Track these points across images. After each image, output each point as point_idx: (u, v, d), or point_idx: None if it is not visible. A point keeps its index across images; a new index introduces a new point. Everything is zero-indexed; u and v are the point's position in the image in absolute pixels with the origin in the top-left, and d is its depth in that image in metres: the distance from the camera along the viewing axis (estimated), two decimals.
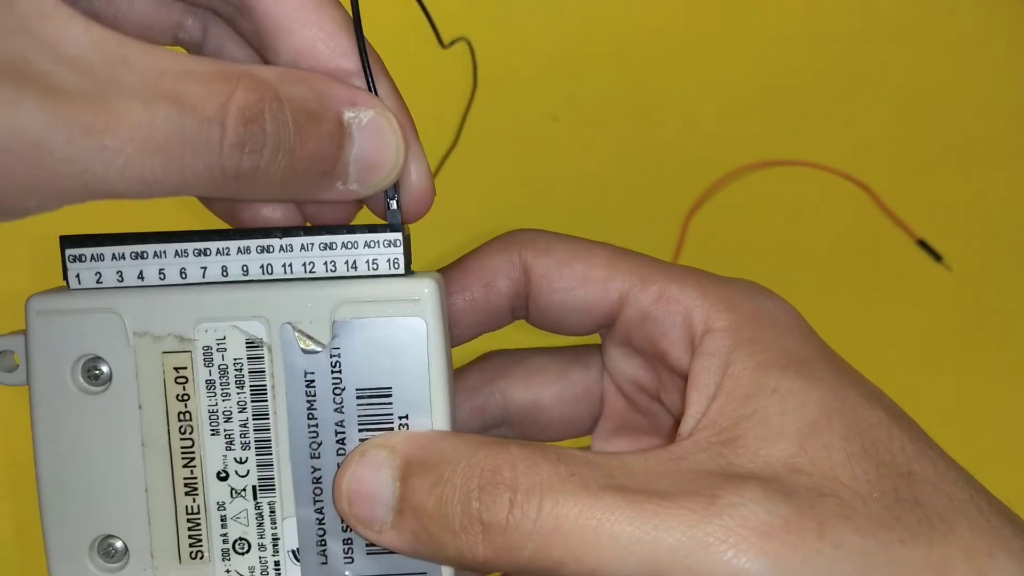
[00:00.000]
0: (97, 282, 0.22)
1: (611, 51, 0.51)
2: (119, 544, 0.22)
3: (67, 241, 0.22)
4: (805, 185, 0.50)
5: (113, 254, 0.22)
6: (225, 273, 0.22)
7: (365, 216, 0.23)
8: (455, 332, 0.25)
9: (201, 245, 0.22)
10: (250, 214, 0.23)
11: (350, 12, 0.22)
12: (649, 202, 0.49)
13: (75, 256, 0.22)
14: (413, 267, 0.23)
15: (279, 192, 0.20)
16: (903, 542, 0.19)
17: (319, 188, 0.20)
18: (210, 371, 0.22)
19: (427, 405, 0.22)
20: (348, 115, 0.20)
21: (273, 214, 0.23)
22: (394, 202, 0.22)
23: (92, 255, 0.22)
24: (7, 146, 0.15)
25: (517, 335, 0.27)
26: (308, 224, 0.23)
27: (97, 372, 0.22)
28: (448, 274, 0.24)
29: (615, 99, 0.50)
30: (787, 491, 0.19)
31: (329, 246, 0.22)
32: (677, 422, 0.24)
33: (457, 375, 0.26)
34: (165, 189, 0.17)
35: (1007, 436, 0.46)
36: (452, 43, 0.42)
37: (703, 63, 0.51)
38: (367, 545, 0.22)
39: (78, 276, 0.22)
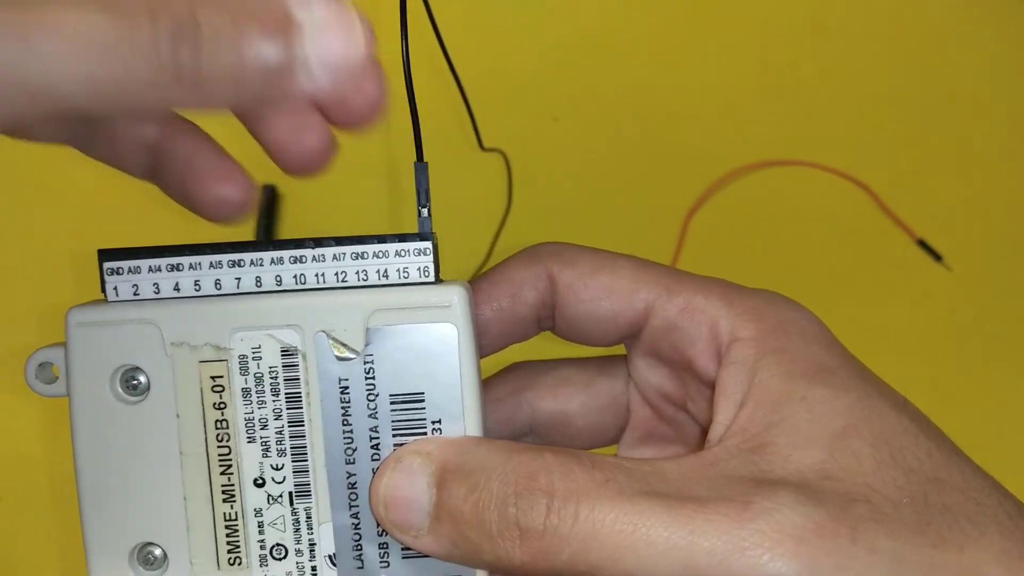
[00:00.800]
0: (134, 294, 0.22)
1: (611, 51, 0.51)
2: (158, 551, 0.23)
3: (105, 255, 0.22)
4: (805, 185, 0.50)
5: (149, 266, 0.22)
6: (259, 283, 0.22)
7: (394, 227, 0.24)
8: (483, 343, 0.25)
9: (235, 256, 0.22)
10: (204, 194, 0.22)
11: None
12: (649, 202, 0.49)
13: (113, 269, 0.22)
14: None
15: (232, 92, 0.19)
16: (935, 546, 0.19)
17: (277, 85, 0.19)
18: (246, 379, 0.22)
19: (459, 410, 0.23)
20: (297, 11, 0.19)
21: (230, 193, 0.22)
22: (425, 210, 0.23)
23: (129, 268, 0.22)
24: None
25: (540, 346, 0.27)
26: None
27: (135, 382, 0.22)
28: (476, 285, 0.25)
29: (615, 99, 0.50)
30: (819, 496, 0.19)
31: (360, 255, 0.23)
32: (702, 430, 0.25)
33: (484, 386, 0.26)
34: (112, 91, 0.17)
35: (1007, 436, 0.46)
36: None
37: (703, 63, 0.51)
38: (403, 549, 0.23)
39: (116, 288, 0.22)
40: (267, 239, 0.23)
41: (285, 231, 0.46)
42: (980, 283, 0.49)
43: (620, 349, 0.26)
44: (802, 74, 0.51)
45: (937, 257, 0.51)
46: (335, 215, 0.47)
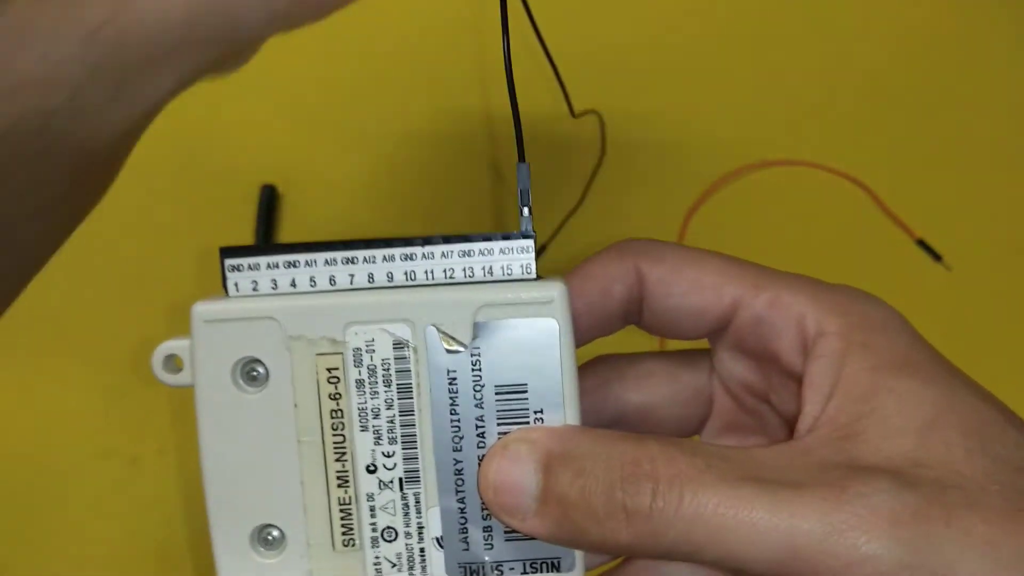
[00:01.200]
0: (253, 290, 0.24)
1: (610, 52, 0.51)
2: (276, 532, 0.24)
3: (226, 252, 0.23)
4: (805, 185, 0.50)
5: (268, 263, 0.23)
6: (371, 279, 0.24)
7: (496, 225, 0.25)
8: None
9: (349, 254, 0.24)
10: None
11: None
12: (649, 202, 0.50)
13: (234, 266, 0.23)
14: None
15: None
16: None
17: None
18: (360, 371, 0.24)
19: (560, 400, 0.24)
20: None
21: None
22: (527, 209, 0.24)
23: (249, 264, 0.23)
24: None
25: (622, 339, 0.28)
26: None
27: (255, 373, 0.24)
28: (568, 280, 0.26)
29: (615, 99, 0.51)
30: (912, 482, 0.20)
31: (467, 253, 0.24)
32: (783, 421, 0.26)
33: None
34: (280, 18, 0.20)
35: None
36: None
37: (703, 63, 0.51)
38: (505, 532, 0.24)
39: (236, 284, 0.23)
40: (385, 237, 0.24)
41: (285, 231, 0.47)
42: (980, 283, 0.49)
43: (701, 343, 0.28)
44: (802, 74, 0.51)
45: (937, 257, 0.50)
46: (335, 214, 0.48)
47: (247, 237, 0.45)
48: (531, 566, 0.24)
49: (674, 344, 0.28)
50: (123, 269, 0.45)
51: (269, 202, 0.46)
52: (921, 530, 0.20)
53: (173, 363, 0.24)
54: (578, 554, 0.24)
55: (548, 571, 0.24)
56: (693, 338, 0.27)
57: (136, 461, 0.43)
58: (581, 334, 0.26)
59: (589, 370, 0.28)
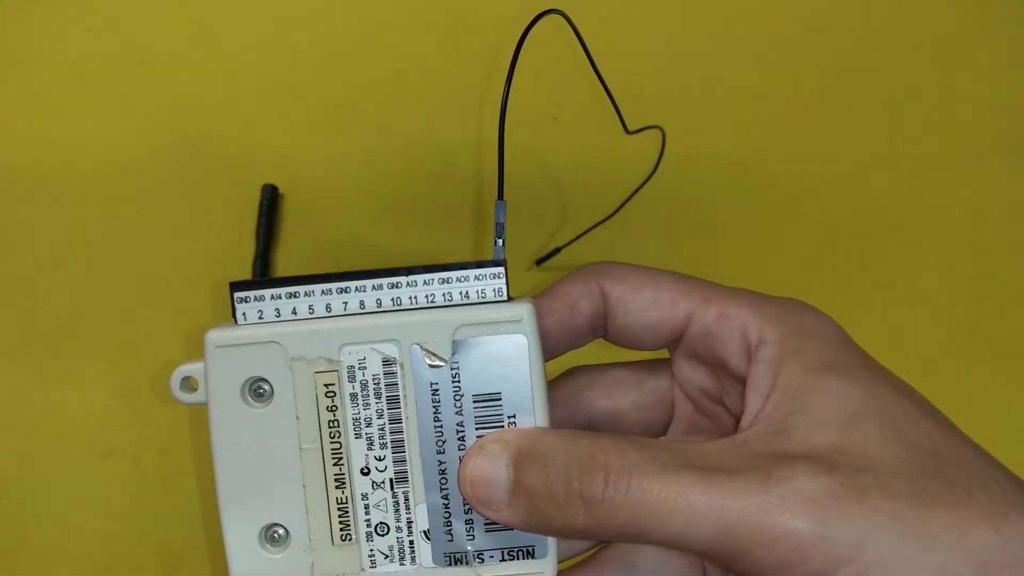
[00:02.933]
0: (259, 318, 0.27)
1: (611, 51, 0.48)
2: (282, 531, 0.27)
3: (235, 286, 0.27)
4: (805, 185, 0.49)
5: (272, 295, 0.27)
6: (362, 306, 0.27)
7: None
8: (545, 349, 0.29)
9: (342, 284, 0.27)
10: None
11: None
12: (649, 202, 0.49)
13: (242, 298, 0.27)
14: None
15: None
16: (929, 507, 0.23)
17: None
18: (353, 386, 0.27)
19: (530, 406, 0.27)
20: None
21: None
22: (500, 240, 0.28)
23: (255, 296, 0.27)
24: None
25: (594, 351, 0.31)
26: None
27: (262, 391, 0.27)
28: (539, 301, 0.29)
29: (617, 98, 0.49)
30: (832, 467, 0.23)
31: (446, 280, 0.27)
32: (736, 422, 0.29)
33: (548, 388, 0.31)
34: None
35: (1007, 435, 0.46)
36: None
37: (703, 62, 0.51)
38: (485, 524, 0.27)
39: (244, 314, 0.27)
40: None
41: (286, 230, 0.47)
42: (980, 283, 0.49)
43: (663, 353, 0.30)
44: (802, 74, 0.51)
45: (933, 255, 0.49)
46: (335, 214, 0.48)
47: (248, 236, 0.46)
48: (509, 553, 0.28)
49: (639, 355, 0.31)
50: (123, 269, 0.45)
51: (270, 202, 0.47)
52: (835, 507, 0.23)
53: (189, 384, 0.27)
54: (551, 542, 0.28)
55: (524, 558, 0.28)
56: (653, 349, 0.30)
57: (137, 461, 0.44)
58: (553, 348, 0.30)
59: (562, 380, 0.31)
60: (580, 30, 0.30)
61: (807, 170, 0.50)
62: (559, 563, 0.30)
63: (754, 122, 0.50)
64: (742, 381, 0.27)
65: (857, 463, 0.24)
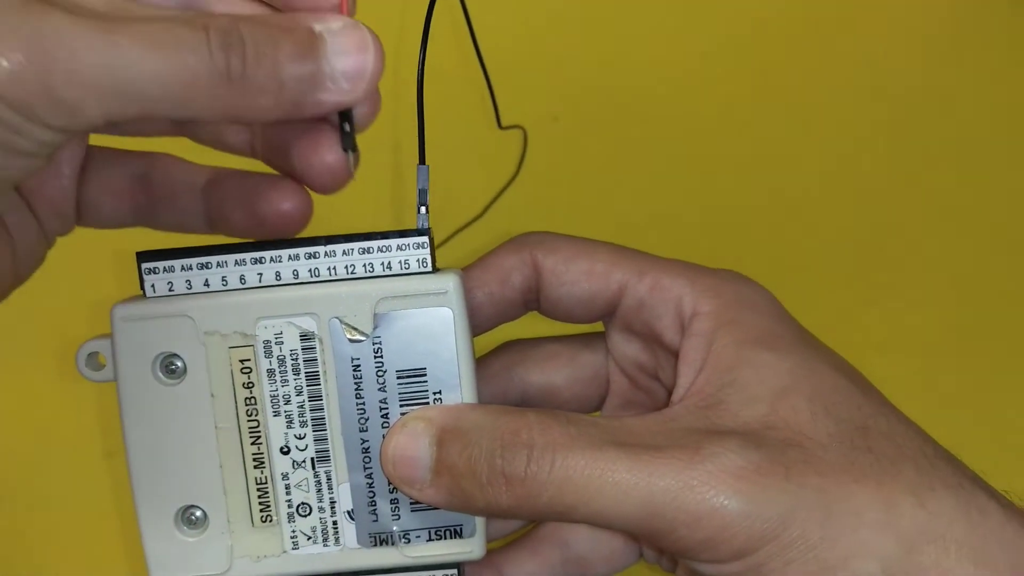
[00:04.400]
0: (169, 290, 0.26)
1: (611, 51, 0.50)
2: (199, 512, 0.26)
3: (143, 256, 0.26)
4: (805, 185, 0.49)
5: (182, 265, 0.26)
6: (279, 277, 0.26)
7: (396, 220, 0.27)
8: (476, 323, 0.28)
9: (257, 254, 0.26)
10: (310, 164, 0.25)
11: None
12: (649, 202, 0.49)
13: (150, 269, 0.25)
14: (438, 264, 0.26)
15: (274, 99, 0.22)
16: (856, 482, 0.22)
17: (310, 91, 0.23)
18: (270, 361, 0.26)
19: (456, 382, 0.26)
20: (318, 27, 0.23)
21: (335, 161, 0.25)
22: (424, 208, 0.26)
23: (164, 267, 0.26)
24: (47, 42, 0.19)
25: (528, 325, 0.30)
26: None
27: (174, 367, 0.26)
28: (469, 272, 0.28)
29: (615, 99, 0.50)
30: (760, 443, 0.23)
31: (367, 250, 0.26)
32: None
33: (479, 363, 0.29)
34: (177, 90, 0.21)
35: (1007, 436, 0.46)
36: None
37: (703, 62, 0.51)
38: (411, 503, 0.26)
39: (153, 286, 0.26)
40: (286, 238, 0.26)
41: None
42: (980, 283, 0.48)
43: (599, 326, 0.30)
44: (802, 73, 0.50)
45: (933, 255, 0.49)
46: (337, 208, 0.48)
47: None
48: (435, 533, 0.27)
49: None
50: (124, 269, 0.44)
51: None
52: (761, 483, 0.22)
53: (96, 360, 0.26)
54: (479, 521, 0.27)
55: (451, 537, 0.27)
56: (587, 322, 0.29)
57: None
58: (483, 321, 0.28)
59: (495, 355, 0.30)
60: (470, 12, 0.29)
61: (807, 169, 0.49)
62: (493, 542, 0.29)
63: (754, 120, 0.50)
64: (676, 355, 0.26)
65: (786, 438, 0.23)
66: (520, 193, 0.48)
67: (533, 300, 0.28)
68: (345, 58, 0.23)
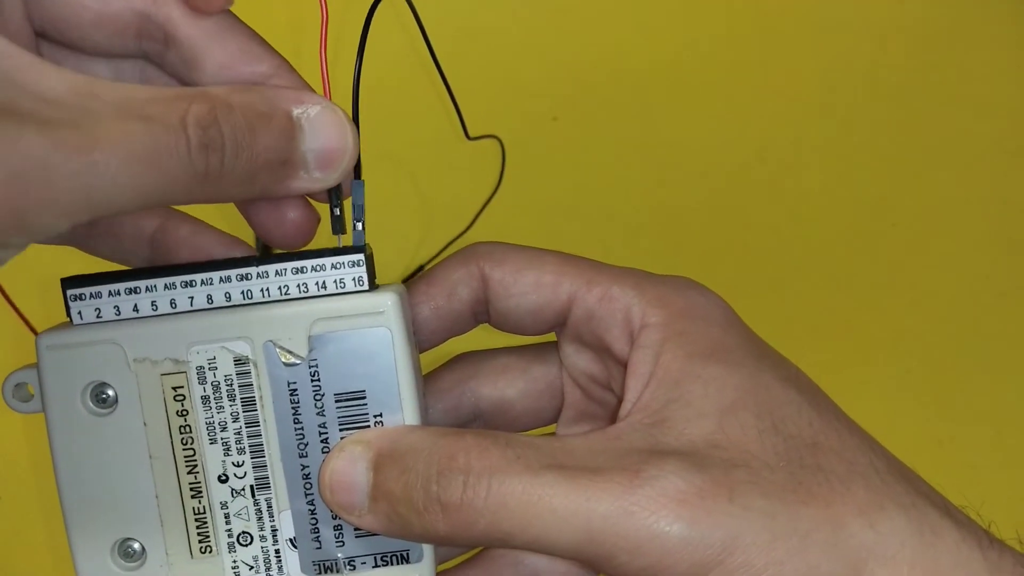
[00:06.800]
0: (97, 316, 0.25)
1: (611, 51, 0.50)
2: (137, 545, 0.25)
3: (68, 282, 0.25)
4: (805, 185, 0.49)
5: (109, 291, 0.25)
6: (210, 300, 0.25)
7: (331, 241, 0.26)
8: (423, 338, 0.27)
9: (187, 277, 0.25)
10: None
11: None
12: (649, 202, 0.49)
13: (76, 295, 0.25)
14: (396, 273, 0.26)
15: (247, 188, 0.22)
16: (804, 503, 0.21)
17: (282, 180, 0.23)
18: (204, 388, 0.25)
19: (397, 403, 0.25)
20: (296, 111, 0.23)
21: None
22: (360, 224, 0.25)
23: (91, 293, 0.25)
24: (21, 168, 0.18)
25: (481, 337, 0.29)
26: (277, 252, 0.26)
27: (104, 396, 0.25)
28: (414, 286, 0.27)
29: (615, 99, 0.50)
30: (704, 463, 0.22)
31: (300, 270, 0.25)
32: None
33: (430, 377, 0.29)
34: (154, 195, 0.20)
35: (1007, 435, 0.46)
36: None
37: (702, 62, 0.51)
38: (355, 529, 0.25)
39: (80, 313, 0.25)
40: (222, 259, 0.25)
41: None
42: (980, 283, 0.49)
43: (553, 337, 0.29)
44: (802, 73, 0.51)
45: (933, 255, 0.49)
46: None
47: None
48: (382, 559, 0.26)
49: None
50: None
51: None
52: (704, 507, 0.21)
53: (25, 391, 0.25)
54: (426, 547, 0.26)
55: (398, 563, 0.26)
56: (537, 334, 0.28)
57: None
58: (431, 335, 0.28)
59: (447, 369, 0.29)
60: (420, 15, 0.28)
61: (808, 169, 0.49)
62: (445, 563, 0.28)
63: (752, 119, 0.50)
64: (626, 366, 0.25)
65: (731, 458, 0.22)
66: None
67: (483, 313, 0.28)
68: (322, 145, 0.23)
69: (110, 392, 0.25)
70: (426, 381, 0.28)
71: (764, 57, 0.51)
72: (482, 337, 0.29)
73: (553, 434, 0.29)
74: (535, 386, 0.29)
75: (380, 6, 0.25)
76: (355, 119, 0.25)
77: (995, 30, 0.51)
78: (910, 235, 0.49)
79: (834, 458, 0.23)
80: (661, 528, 0.21)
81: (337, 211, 0.25)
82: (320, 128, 0.23)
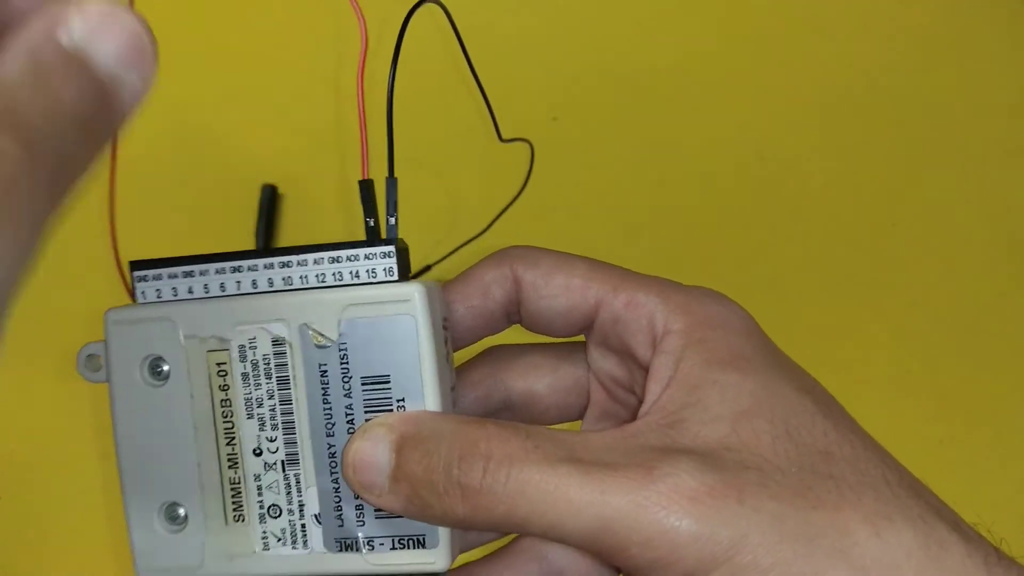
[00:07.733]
0: (157, 296, 0.27)
1: (611, 51, 0.51)
2: (181, 511, 0.27)
3: (134, 265, 0.28)
4: (805, 185, 0.49)
5: (168, 274, 0.27)
6: (255, 285, 0.27)
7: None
8: (458, 335, 0.28)
9: (235, 264, 0.27)
10: None
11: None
12: (648, 202, 0.49)
13: (140, 277, 0.27)
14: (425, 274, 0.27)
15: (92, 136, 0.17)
16: (813, 508, 0.21)
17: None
18: (244, 365, 0.27)
19: (419, 389, 0.26)
20: (64, 40, 0.16)
21: None
22: (392, 219, 0.27)
23: (153, 275, 0.27)
24: None
25: (514, 338, 0.30)
26: None
27: (160, 369, 0.27)
28: (451, 286, 0.28)
29: (615, 99, 0.50)
30: (716, 464, 0.22)
31: (336, 259, 0.27)
32: None
33: (464, 368, 0.30)
34: None
35: (1007, 436, 0.46)
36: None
37: (703, 62, 0.51)
38: (376, 510, 0.26)
39: (143, 293, 0.27)
40: (265, 246, 0.27)
41: (285, 230, 0.47)
42: (980, 283, 0.48)
43: (581, 338, 0.29)
44: (802, 74, 0.50)
45: (933, 255, 0.49)
46: (335, 214, 0.48)
47: (248, 236, 0.47)
48: (399, 542, 0.27)
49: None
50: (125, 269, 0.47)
51: (270, 202, 0.47)
52: (715, 506, 0.21)
53: (96, 361, 0.28)
54: (442, 532, 0.26)
55: (415, 547, 0.26)
56: (566, 336, 0.29)
57: None
58: (465, 333, 0.29)
59: (479, 360, 0.30)
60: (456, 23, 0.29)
61: (808, 169, 0.49)
62: (469, 550, 0.29)
63: (752, 119, 0.50)
64: (648, 370, 0.26)
65: (744, 460, 0.22)
66: (527, 202, 0.48)
67: (515, 313, 0.28)
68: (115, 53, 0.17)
69: (164, 366, 0.27)
70: (458, 372, 0.29)
71: (765, 57, 0.50)
72: (514, 338, 0.30)
73: (578, 429, 0.29)
74: (563, 383, 0.29)
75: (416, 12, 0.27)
76: (389, 123, 0.27)
77: (995, 31, 0.50)
78: (910, 235, 0.48)
79: (846, 467, 0.22)
80: (672, 523, 0.21)
81: (371, 222, 0.27)
82: (101, 41, 0.17)
